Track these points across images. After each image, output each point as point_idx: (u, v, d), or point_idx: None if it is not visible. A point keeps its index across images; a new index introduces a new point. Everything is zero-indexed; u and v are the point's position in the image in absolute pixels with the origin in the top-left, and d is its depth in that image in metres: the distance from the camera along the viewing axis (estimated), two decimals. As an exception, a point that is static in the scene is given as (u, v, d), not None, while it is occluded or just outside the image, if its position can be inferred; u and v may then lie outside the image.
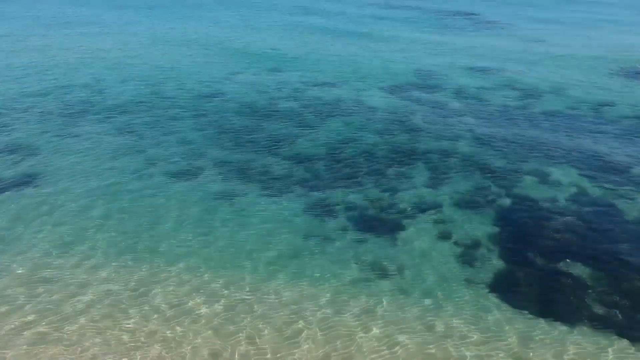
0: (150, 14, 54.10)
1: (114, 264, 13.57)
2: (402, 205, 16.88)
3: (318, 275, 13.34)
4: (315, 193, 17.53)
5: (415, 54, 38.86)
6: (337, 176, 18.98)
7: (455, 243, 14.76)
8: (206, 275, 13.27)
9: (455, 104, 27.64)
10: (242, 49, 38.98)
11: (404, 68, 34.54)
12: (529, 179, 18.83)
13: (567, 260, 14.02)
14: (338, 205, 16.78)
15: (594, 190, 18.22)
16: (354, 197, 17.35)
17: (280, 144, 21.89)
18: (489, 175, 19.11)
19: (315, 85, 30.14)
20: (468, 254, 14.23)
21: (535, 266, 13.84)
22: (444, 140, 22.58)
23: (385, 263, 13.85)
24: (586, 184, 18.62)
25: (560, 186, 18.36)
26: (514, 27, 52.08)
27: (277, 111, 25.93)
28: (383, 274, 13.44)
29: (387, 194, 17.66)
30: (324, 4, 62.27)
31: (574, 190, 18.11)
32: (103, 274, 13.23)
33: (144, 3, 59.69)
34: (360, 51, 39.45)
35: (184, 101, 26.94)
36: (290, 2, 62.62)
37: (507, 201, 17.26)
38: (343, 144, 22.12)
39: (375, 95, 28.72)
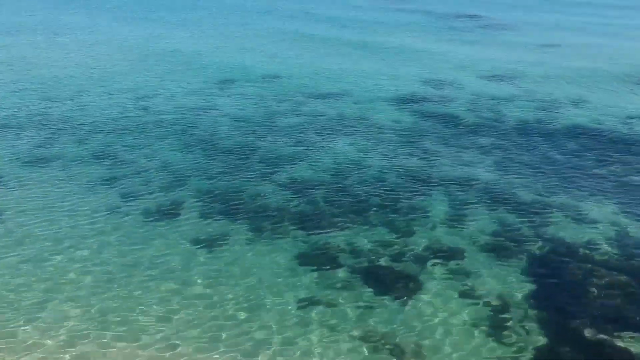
0: (146, 15, 51.80)
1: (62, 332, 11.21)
2: (417, 251, 14.39)
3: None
4: (314, 235, 15.06)
5: (421, 64, 36.26)
6: (341, 211, 16.54)
7: (482, 306, 12.22)
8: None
9: (469, 121, 25.16)
10: (238, 57, 36.59)
11: (411, 79, 32.02)
12: (561, 216, 16.29)
13: (620, 331, 11.51)
14: (341, 252, 14.30)
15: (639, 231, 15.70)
16: (360, 240, 14.88)
17: (276, 168, 19.53)
18: (515, 211, 16.58)
19: (316, 99, 27.72)
20: (497, 322, 11.70)
21: (581, 340, 11.29)
22: (460, 165, 20.13)
23: (398, 339, 11.26)
24: (629, 222, 16.03)
25: (600, 226, 15.78)
26: (523, 32, 49.44)
27: (274, 128, 23.57)
28: (395, 353, 10.90)
29: (399, 235, 15.19)
30: (324, 8, 59.82)
31: (616, 231, 15.53)
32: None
33: (141, 5, 57.38)
34: (364, 60, 36.96)
35: (171, 117, 24.57)
36: (288, 6, 60.14)
37: (539, 247, 14.70)
38: (348, 167, 19.78)
39: (382, 111, 26.26)
